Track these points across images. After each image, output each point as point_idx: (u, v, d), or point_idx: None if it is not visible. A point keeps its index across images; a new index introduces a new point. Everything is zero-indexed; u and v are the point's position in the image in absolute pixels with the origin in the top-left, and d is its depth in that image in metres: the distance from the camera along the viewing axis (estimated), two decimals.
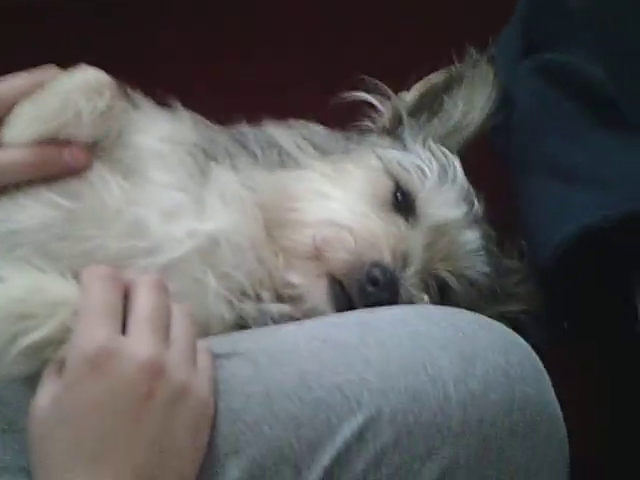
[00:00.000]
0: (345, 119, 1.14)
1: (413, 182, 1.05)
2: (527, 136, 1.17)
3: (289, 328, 0.93)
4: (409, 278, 0.98)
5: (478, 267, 1.05)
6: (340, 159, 1.09)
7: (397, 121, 1.15)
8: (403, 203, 1.05)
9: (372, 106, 1.16)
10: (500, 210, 1.11)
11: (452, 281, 1.04)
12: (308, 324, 0.93)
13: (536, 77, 1.17)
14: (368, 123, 1.16)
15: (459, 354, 0.86)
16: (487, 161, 1.15)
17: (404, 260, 0.99)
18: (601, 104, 1.10)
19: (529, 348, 0.90)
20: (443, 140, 1.12)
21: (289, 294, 0.98)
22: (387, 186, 1.06)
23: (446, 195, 1.05)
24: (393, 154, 1.08)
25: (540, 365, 0.90)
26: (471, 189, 1.07)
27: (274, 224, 1.01)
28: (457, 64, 1.15)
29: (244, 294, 0.98)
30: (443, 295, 1.04)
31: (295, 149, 1.08)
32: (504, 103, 1.16)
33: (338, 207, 1.02)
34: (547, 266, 1.06)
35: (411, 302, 0.98)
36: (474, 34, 1.13)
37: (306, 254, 0.99)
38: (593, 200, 1.06)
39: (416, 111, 1.15)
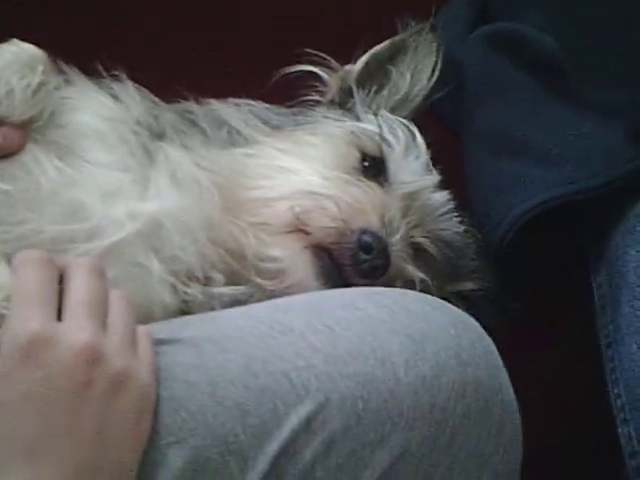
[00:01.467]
0: (287, 95, 1.13)
1: (382, 150, 1.05)
2: (476, 109, 1.18)
3: (234, 313, 0.91)
4: (397, 244, 0.98)
5: (453, 227, 1.06)
6: (293, 133, 1.08)
7: (346, 93, 1.14)
8: (373, 171, 1.04)
9: (317, 79, 1.15)
10: (452, 184, 1.10)
11: (429, 246, 1.04)
12: (254, 308, 0.91)
13: (486, 47, 1.18)
14: (315, 97, 1.15)
15: (409, 337, 0.85)
16: (436, 133, 1.12)
17: (390, 226, 0.98)
18: (552, 75, 1.12)
19: (481, 329, 0.89)
20: (394, 111, 1.12)
21: (268, 269, 0.96)
22: (352, 154, 1.05)
23: (415, 163, 1.06)
24: (354, 124, 1.08)
25: (492, 347, 0.88)
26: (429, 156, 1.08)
27: (234, 204, 0.99)
28: (400, 34, 1.15)
29: (191, 278, 0.96)
30: (419, 262, 1.03)
31: (244, 126, 1.06)
32: (452, 74, 1.15)
33: (308, 177, 1.01)
34: (499, 244, 1.07)
35: (400, 270, 0.98)
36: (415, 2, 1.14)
37: (283, 228, 0.98)
38: (548, 176, 1.06)
39: (364, 83, 1.15)
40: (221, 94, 1.09)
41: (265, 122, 1.08)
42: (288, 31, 1.41)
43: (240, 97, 1.09)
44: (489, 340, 0.89)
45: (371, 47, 1.14)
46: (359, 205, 0.98)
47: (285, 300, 0.92)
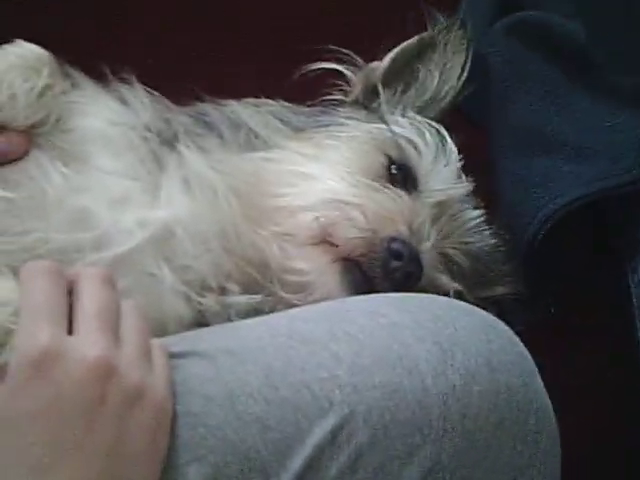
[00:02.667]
0: (310, 94, 1.10)
1: (410, 156, 1.02)
2: (503, 104, 1.15)
3: (252, 323, 0.89)
4: (428, 252, 0.96)
5: (484, 242, 1.03)
6: (316, 135, 1.04)
7: (371, 93, 1.11)
8: (401, 178, 1.01)
9: (341, 78, 1.11)
10: (479, 185, 1.06)
11: (460, 258, 1.01)
12: (272, 318, 0.89)
13: (510, 38, 1.14)
14: (338, 96, 1.11)
15: (437, 344, 0.82)
16: (465, 135, 1.08)
17: (420, 233, 0.96)
18: (582, 65, 1.08)
19: (512, 334, 0.87)
20: (421, 111, 1.09)
21: (293, 282, 0.93)
22: (379, 160, 1.02)
23: (445, 169, 1.03)
24: (381, 127, 1.05)
25: (525, 352, 0.86)
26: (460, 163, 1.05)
27: (255, 212, 0.96)
28: (428, 31, 1.11)
29: (205, 287, 0.93)
30: (448, 272, 1.01)
31: (264, 128, 1.03)
32: (477, 70, 1.11)
33: (332, 185, 0.98)
34: (530, 244, 1.04)
35: (432, 280, 0.96)
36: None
37: (309, 240, 0.95)
38: (581, 172, 1.04)
39: (390, 82, 1.11)
40: (223, 94, 1.06)
41: (285, 123, 1.05)
42: (288, 31, 1.38)
43: (241, 97, 1.07)
44: (521, 345, 0.86)
45: (398, 44, 1.11)
46: (387, 214, 0.96)
47: (305, 309, 0.90)
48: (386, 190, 0.98)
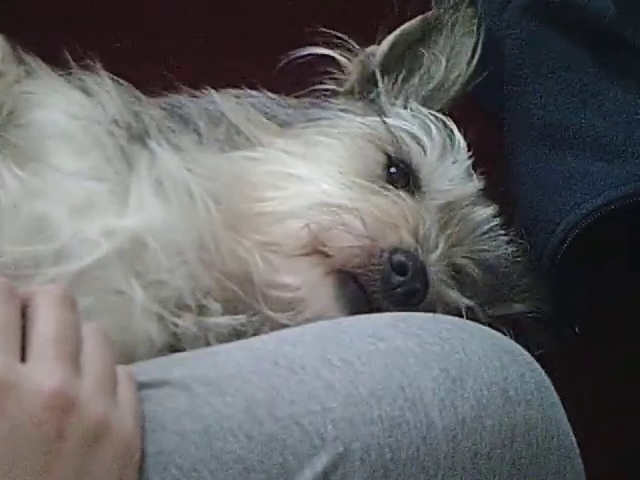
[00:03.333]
0: (299, 84, 1.05)
1: (412, 153, 0.98)
2: (521, 94, 1.09)
3: (233, 348, 0.83)
4: (436, 264, 0.92)
5: (499, 250, 0.99)
6: (305, 131, 1.00)
7: (368, 82, 1.06)
8: (401, 178, 0.97)
9: (333, 64, 1.06)
10: (492, 185, 1.03)
11: (472, 269, 0.97)
12: (257, 342, 0.84)
13: (529, 18, 1.09)
14: (331, 86, 1.07)
15: (444, 371, 0.77)
16: (478, 129, 1.04)
17: (427, 242, 0.92)
18: (610, 47, 1.04)
19: (531, 359, 0.82)
20: (426, 102, 1.05)
21: (281, 299, 0.89)
22: (377, 158, 0.98)
23: (453, 167, 0.99)
24: (379, 120, 1.00)
25: (546, 380, 0.81)
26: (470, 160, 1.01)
27: (236, 219, 0.92)
28: (432, 10, 1.07)
29: (182, 307, 0.88)
30: (459, 285, 0.97)
31: (246, 123, 0.99)
32: (490, 54, 1.07)
33: (324, 187, 0.94)
34: (554, 253, 0.99)
35: (440, 296, 0.92)
36: None
37: (298, 249, 0.90)
38: (611, 171, 0.99)
39: (390, 69, 1.07)
40: (220, 83, 1.01)
41: (271, 117, 1.01)
42: (293, 11, 1.31)
43: (241, 87, 1.02)
44: (541, 372, 0.81)
45: (398, 25, 1.06)
46: (388, 219, 0.91)
47: (294, 330, 0.85)
48: (386, 192, 0.94)
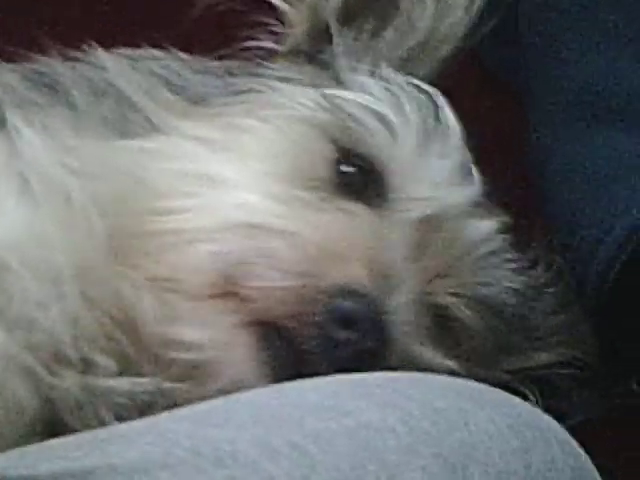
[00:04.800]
0: (222, 40, 0.87)
1: (375, 142, 0.80)
2: (556, 56, 0.96)
3: (135, 427, 0.67)
4: (401, 311, 0.75)
5: (501, 281, 0.83)
6: (226, 110, 0.83)
7: (319, 36, 0.88)
8: (358, 182, 0.81)
9: (271, 12, 0.87)
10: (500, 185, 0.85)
11: (461, 311, 0.82)
12: (168, 419, 0.67)
13: None
14: (267, 43, 0.88)
15: (438, 457, 0.63)
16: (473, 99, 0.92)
17: (388, 280, 0.75)
18: None
19: (564, 434, 0.68)
20: (403, 66, 0.86)
21: (179, 361, 0.73)
22: (323, 153, 0.80)
23: (439, 164, 0.82)
24: (330, 93, 0.82)
25: (587, 462, 0.68)
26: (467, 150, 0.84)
27: (123, 240, 0.75)
28: None
29: (61, 360, 0.71)
30: (443, 335, 0.82)
31: (145, 98, 0.82)
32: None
33: (246, 197, 0.78)
34: (602, 275, 0.84)
35: (409, 355, 0.77)
36: None
37: (206, 289, 0.74)
38: None
39: (352, 17, 0.88)
40: (108, 39, 0.84)
41: (180, 90, 0.83)
42: None
43: (139, 44, 0.85)
44: (579, 452, 0.68)
45: None
46: (333, 246, 0.74)
47: (221, 404, 0.68)
48: (333, 205, 0.78)
